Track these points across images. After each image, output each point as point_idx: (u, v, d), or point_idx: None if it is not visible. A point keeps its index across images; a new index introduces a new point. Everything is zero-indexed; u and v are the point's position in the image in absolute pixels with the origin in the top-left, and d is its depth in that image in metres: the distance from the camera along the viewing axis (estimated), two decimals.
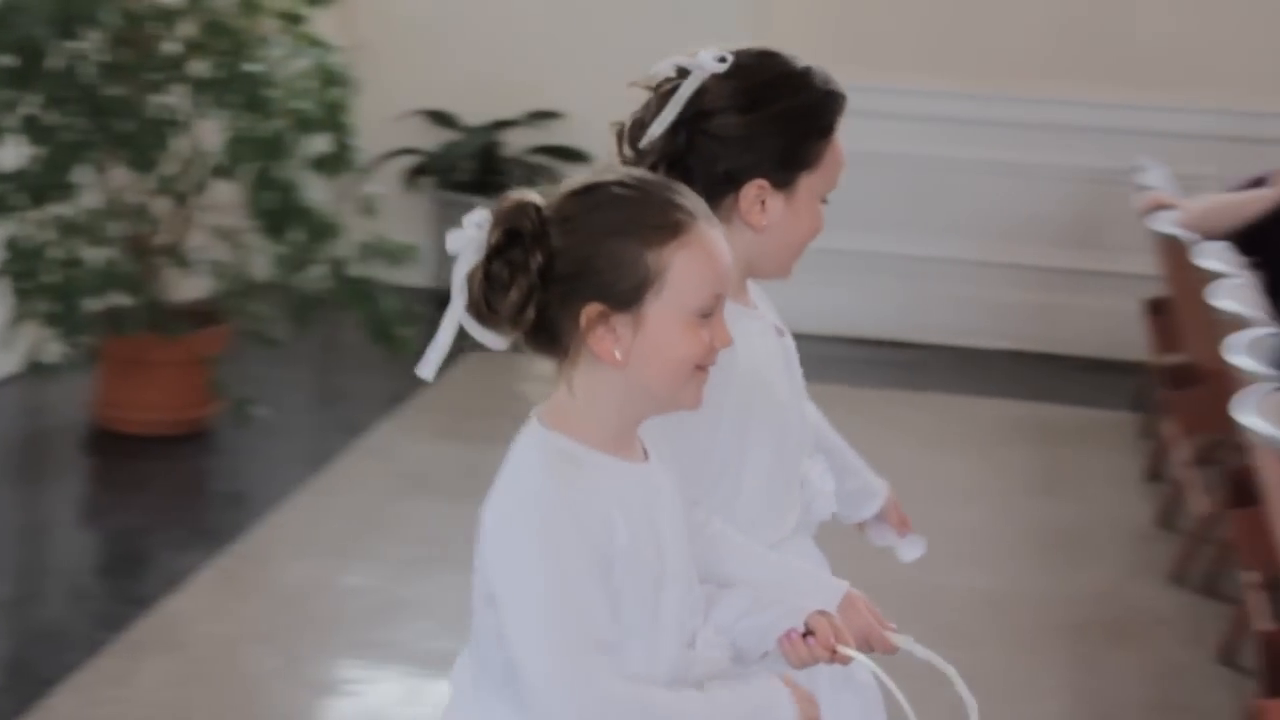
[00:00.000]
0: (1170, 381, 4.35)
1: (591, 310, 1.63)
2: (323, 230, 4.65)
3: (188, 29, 4.60)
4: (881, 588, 4.18)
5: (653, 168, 1.91)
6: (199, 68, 4.61)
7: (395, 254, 4.75)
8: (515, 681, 1.63)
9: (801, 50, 6.27)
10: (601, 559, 1.62)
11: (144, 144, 4.49)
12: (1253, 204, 4.22)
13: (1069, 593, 4.09)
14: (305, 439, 4.91)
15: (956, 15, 5.99)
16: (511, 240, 1.64)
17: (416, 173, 6.32)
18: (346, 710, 3.44)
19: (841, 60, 6.52)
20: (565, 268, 1.63)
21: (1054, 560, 4.30)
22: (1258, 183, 4.34)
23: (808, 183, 1.95)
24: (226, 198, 4.73)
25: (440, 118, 6.31)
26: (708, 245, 1.65)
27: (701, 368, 1.67)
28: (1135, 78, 5.79)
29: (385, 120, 6.16)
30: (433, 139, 6.30)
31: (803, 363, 6.52)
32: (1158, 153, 5.12)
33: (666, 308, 1.63)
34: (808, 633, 1.75)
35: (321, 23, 4.85)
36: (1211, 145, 5.45)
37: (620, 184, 1.67)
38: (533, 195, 1.67)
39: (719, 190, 1.89)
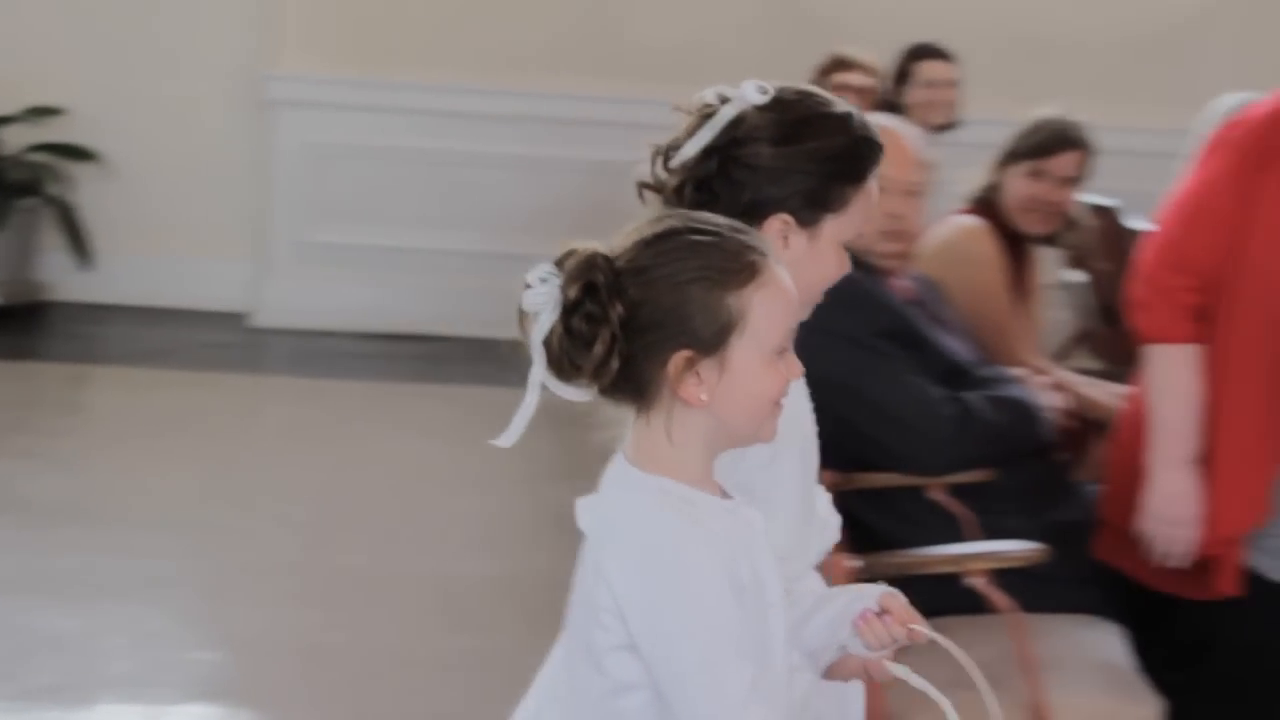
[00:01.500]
0: None
1: (679, 358, 1.64)
2: None
3: None
4: (399, 578, 4.22)
5: (679, 188, 1.90)
6: None
7: None
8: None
9: (306, 47, 6.14)
10: (734, 596, 1.63)
11: None
12: None
13: None
14: None
15: (462, 10, 6.06)
16: (587, 294, 1.63)
17: None
18: None
19: (350, 57, 6.51)
20: (648, 318, 1.64)
21: (572, 543, 4.41)
22: None
23: (833, 226, 1.94)
24: None
25: None
26: (781, 283, 1.68)
27: (777, 402, 1.69)
28: (636, 72, 6.01)
29: None
30: None
31: (323, 361, 6.45)
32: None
33: (749, 348, 1.65)
34: (882, 612, 1.75)
35: None
36: None
37: (692, 230, 1.67)
38: (599, 246, 1.66)
39: (742, 220, 1.83)
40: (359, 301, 6.05)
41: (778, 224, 1.91)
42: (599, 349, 1.64)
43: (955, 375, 3.08)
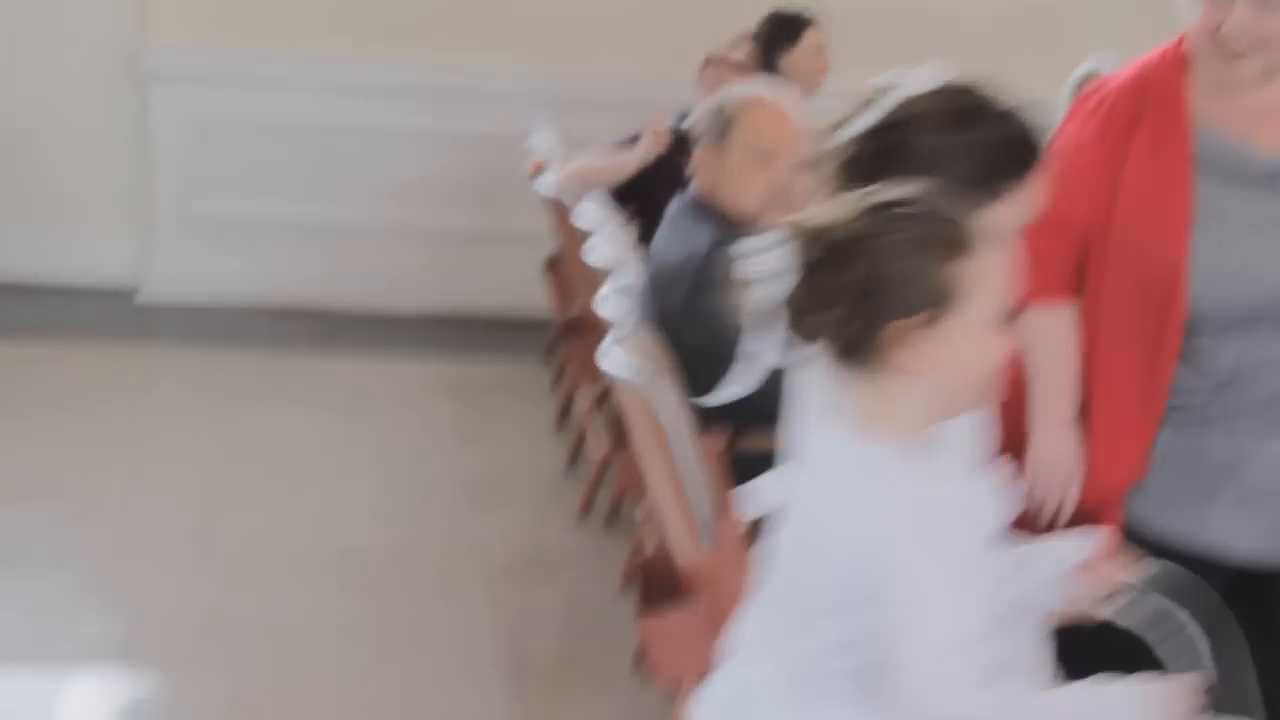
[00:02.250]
0: (567, 334, 4.58)
1: (905, 323, 1.68)
2: None
3: None
4: (296, 546, 4.24)
5: (841, 168, 1.90)
6: None
7: None
8: (880, 682, 1.68)
9: (181, 18, 6.05)
10: (976, 557, 1.69)
11: None
12: (626, 165, 4.50)
13: (484, 540, 4.25)
14: None
15: None
16: (824, 258, 1.67)
17: None
18: None
19: (230, 28, 6.43)
20: (876, 284, 1.68)
21: (469, 510, 4.45)
22: (635, 140, 4.62)
23: (985, 218, 1.91)
24: None
25: None
26: (1000, 253, 1.74)
27: (997, 368, 1.74)
28: (523, 45, 6.02)
29: None
30: None
31: (212, 335, 6.39)
32: (549, 116, 5.35)
33: (973, 315, 1.70)
34: (1100, 558, 1.83)
35: None
36: (597, 108, 5.74)
37: (911, 201, 1.73)
38: (826, 215, 1.71)
39: None
40: (247, 275, 6.01)
41: None
42: (831, 314, 1.69)
43: None
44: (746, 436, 2.99)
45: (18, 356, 5.43)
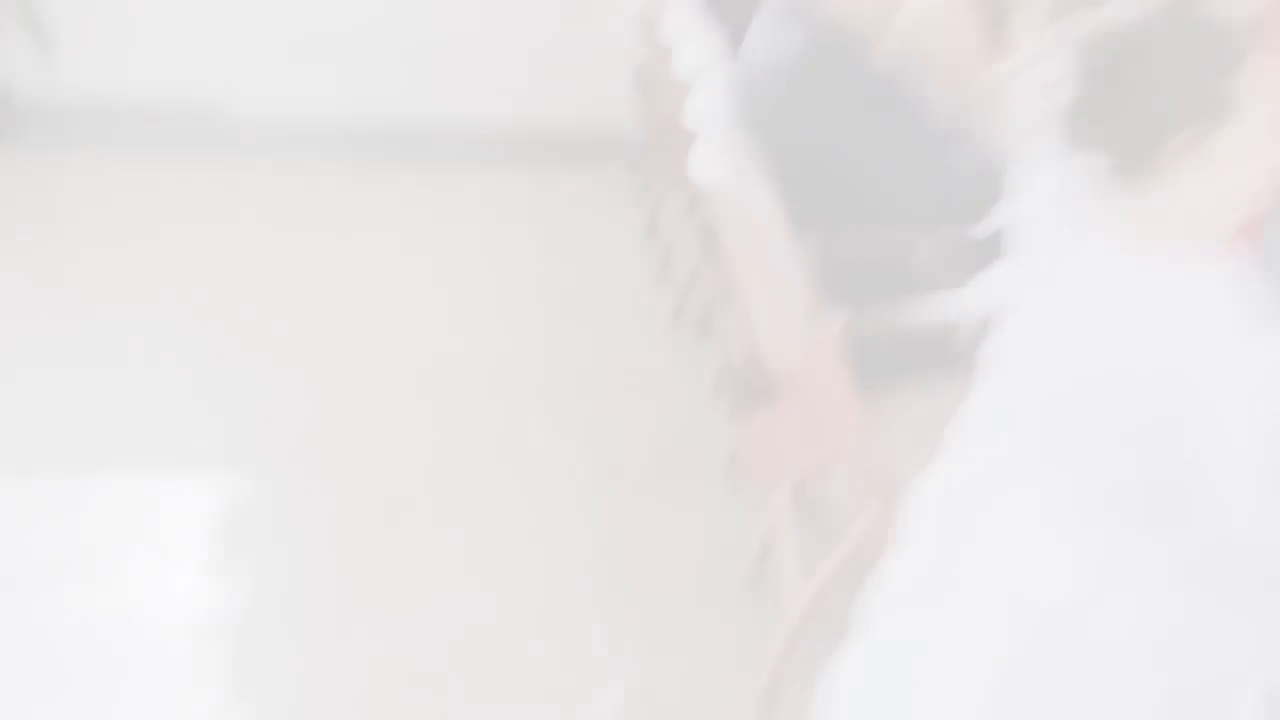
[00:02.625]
0: (656, 141, 4.56)
1: (1183, 135, 1.68)
2: None
3: None
4: (390, 366, 4.28)
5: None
6: None
7: None
8: (1182, 510, 1.67)
9: None
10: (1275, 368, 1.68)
11: None
12: None
13: (575, 348, 4.30)
14: None
15: None
16: (1098, 72, 1.68)
17: None
18: None
19: None
20: (1152, 96, 1.67)
21: (559, 319, 4.50)
22: None
23: None
24: None
25: None
26: (1273, 58, 1.72)
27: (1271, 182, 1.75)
28: None
29: None
30: None
31: (299, 149, 6.28)
32: None
33: (1250, 125, 1.70)
34: None
35: None
36: None
37: (1183, 9, 1.70)
38: (1097, 24, 1.69)
39: None
40: (332, 89, 5.99)
41: None
42: (1113, 124, 1.68)
43: None
44: (838, 241, 2.99)
45: (103, 174, 5.46)
